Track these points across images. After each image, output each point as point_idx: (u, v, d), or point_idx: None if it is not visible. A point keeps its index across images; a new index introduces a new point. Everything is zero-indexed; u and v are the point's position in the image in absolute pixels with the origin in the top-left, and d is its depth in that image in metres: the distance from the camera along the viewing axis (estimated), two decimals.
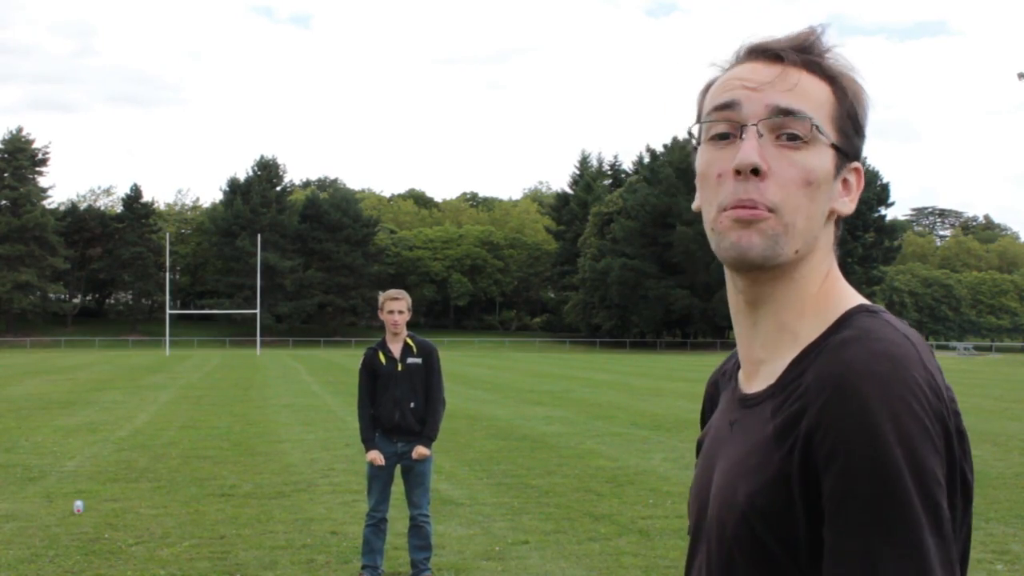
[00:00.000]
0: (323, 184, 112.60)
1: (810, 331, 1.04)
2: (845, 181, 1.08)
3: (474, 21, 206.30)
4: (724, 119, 1.06)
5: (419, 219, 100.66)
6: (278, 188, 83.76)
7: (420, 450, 6.07)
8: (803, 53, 1.06)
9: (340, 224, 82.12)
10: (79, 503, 8.33)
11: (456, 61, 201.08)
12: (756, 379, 1.10)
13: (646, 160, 79.06)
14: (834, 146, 1.04)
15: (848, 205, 1.08)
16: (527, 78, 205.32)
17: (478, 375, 31.76)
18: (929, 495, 0.89)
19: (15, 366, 36.93)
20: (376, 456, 6.04)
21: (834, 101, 1.05)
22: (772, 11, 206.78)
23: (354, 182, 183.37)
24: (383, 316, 6.17)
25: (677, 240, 68.64)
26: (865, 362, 0.92)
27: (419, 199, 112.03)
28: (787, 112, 1.02)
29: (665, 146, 77.86)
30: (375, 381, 6.14)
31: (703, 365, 43.74)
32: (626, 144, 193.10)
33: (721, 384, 1.24)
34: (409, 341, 6.20)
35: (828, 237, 1.09)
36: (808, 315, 1.06)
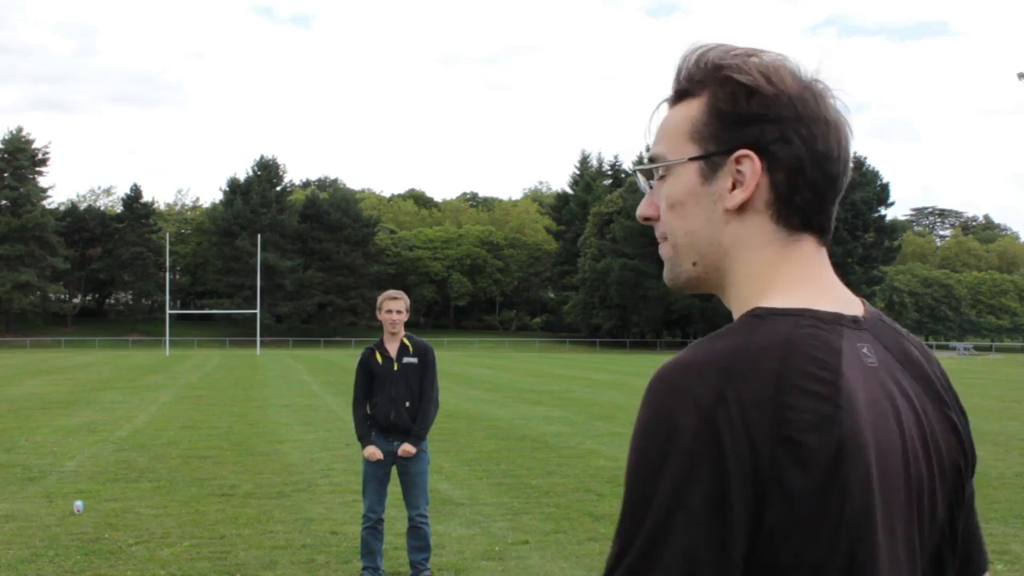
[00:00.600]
0: (323, 184, 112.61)
1: None
2: (739, 173, 1.07)
3: (475, 21, 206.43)
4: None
5: (419, 219, 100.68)
6: (278, 188, 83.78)
7: (405, 447, 6.06)
8: (678, 84, 1.14)
9: (340, 224, 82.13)
10: (79, 503, 8.33)
11: (456, 61, 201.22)
12: None
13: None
14: (692, 159, 1.10)
15: (736, 197, 1.07)
16: (527, 78, 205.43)
17: (478, 375, 31.76)
18: (662, 504, 0.94)
19: (15, 366, 36.93)
20: (374, 451, 6.06)
21: (699, 111, 1.10)
22: (773, 11, 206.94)
23: (354, 182, 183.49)
24: (381, 316, 6.20)
25: None
26: (660, 369, 1.01)
27: (419, 199, 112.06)
28: (649, 158, 1.15)
29: None
30: (371, 380, 6.17)
31: None
32: (626, 144, 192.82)
33: None
34: (406, 341, 6.22)
35: (745, 234, 1.09)
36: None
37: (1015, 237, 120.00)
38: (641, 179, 1.18)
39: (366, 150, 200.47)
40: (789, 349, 0.99)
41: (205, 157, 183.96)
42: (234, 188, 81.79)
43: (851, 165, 1.12)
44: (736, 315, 1.10)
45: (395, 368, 6.13)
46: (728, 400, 0.95)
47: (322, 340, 77.56)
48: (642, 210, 1.17)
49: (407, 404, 6.11)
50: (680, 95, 1.13)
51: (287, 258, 79.61)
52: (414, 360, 6.17)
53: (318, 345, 74.45)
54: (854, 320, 1.08)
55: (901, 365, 1.10)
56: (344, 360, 43.78)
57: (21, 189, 75.93)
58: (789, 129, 1.06)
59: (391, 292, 6.29)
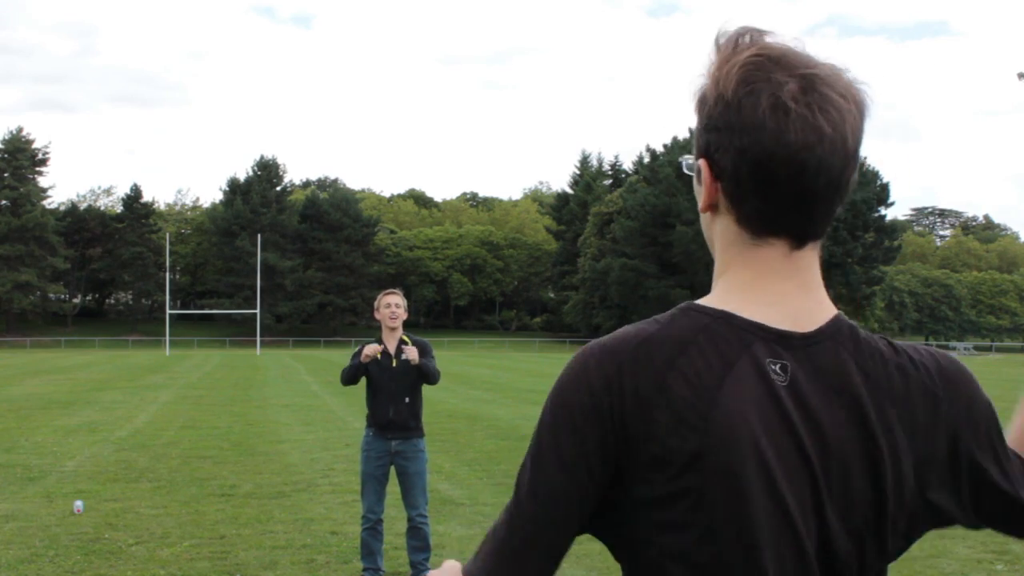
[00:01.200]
0: (323, 184, 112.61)
1: None
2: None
3: (475, 21, 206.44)
4: None
5: (419, 219, 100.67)
6: (278, 188, 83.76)
7: (411, 351, 6.07)
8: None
9: (340, 224, 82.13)
10: (79, 503, 8.33)
11: (456, 61, 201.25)
12: None
13: (646, 160, 79.03)
14: (689, 164, 1.17)
15: (701, 201, 1.14)
16: (528, 78, 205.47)
17: (478, 375, 31.76)
18: (540, 452, 1.09)
19: (15, 366, 36.92)
20: (375, 347, 6.08)
21: (696, 119, 1.15)
22: (774, 12, 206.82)
23: (354, 182, 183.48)
24: (379, 314, 6.20)
25: (677, 240, 68.62)
26: (587, 344, 1.12)
27: (419, 199, 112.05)
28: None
29: (665, 146, 77.80)
30: (367, 376, 6.18)
31: None
32: (626, 144, 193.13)
33: None
34: (404, 338, 6.23)
35: (718, 233, 1.15)
36: None
37: (1015, 237, 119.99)
38: None
39: (366, 150, 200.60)
40: (680, 352, 1.04)
41: (205, 157, 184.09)
42: (234, 188, 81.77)
43: (840, 162, 1.05)
44: None
45: (393, 364, 6.12)
46: (612, 389, 1.05)
47: (322, 340, 77.56)
48: None
49: (406, 400, 6.10)
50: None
51: (287, 258, 79.60)
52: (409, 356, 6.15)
53: (318, 345, 74.44)
54: (781, 335, 1.06)
55: (827, 389, 1.06)
56: (344, 360, 43.73)
57: (21, 189, 75.92)
58: (724, 138, 1.07)
59: (388, 290, 6.32)
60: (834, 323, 1.10)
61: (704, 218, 1.17)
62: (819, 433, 1.05)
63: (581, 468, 1.05)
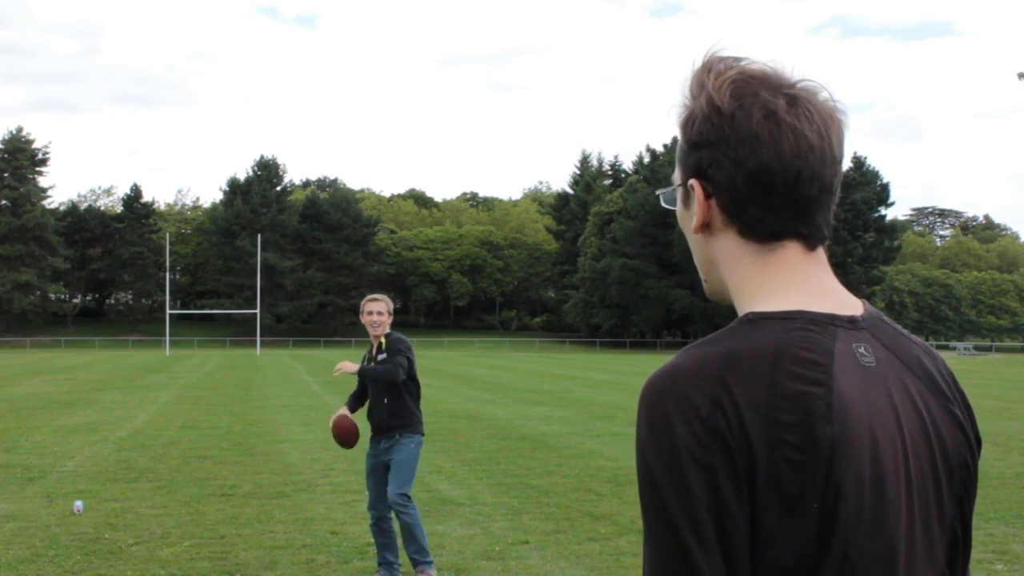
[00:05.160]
0: (323, 184, 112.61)
1: None
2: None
3: (477, 21, 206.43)
4: None
5: (419, 219, 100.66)
6: (278, 188, 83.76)
7: (341, 365, 6.13)
8: None
9: (340, 224, 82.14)
10: (79, 503, 8.33)
11: (457, 61, 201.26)
12: None
13: (646, 160, 79.08)
14: (675, 187, 1.18)
15: (694, 221, 1.13)
16: (528, 78, 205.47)
17: (478, 375, 31.76)
18: (669, 512, 0.98)
19: (15, 366, 36.92)
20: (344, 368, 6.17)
21: (680, 142, 1.15)
22: (776, 12, 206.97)
23: (354, 182, 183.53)
24: (363, 319, 6.26)
25: (677, 240, 68.55)
26: (652, 377, 1.03)
27: (419, 199, 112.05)
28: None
29: (665, 146, 77.80)
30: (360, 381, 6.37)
31: None
32: (626, 144, 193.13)
33: None
34: (382, 340, 6.24)
35: (722, 251, 1.13)
36: None
37: (1015, 237, 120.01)
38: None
39: (366, 150, 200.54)
40: (780, 353, 1.01)
41: (205, 157, 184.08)
42: (234, 188, 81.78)
43: (830, 170, 1.09)
44: None
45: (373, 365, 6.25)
46: (724, 405, 0.98)
47: (322, 340, 77.55)
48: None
49: (385, 401, 6.19)
50: None
51: (287, 258, 79.61)
52: (385, 356, 6.19)
53: (318, 345, 74.44)
54: (851, 320, 1.08)
55: (902, 363, 1.10)
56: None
57: (21, 189, 75.94)
58: (719, 152, 1.08)
59: (372, 295, 6.34)
60: (870, 308, 1.14)
61: (696, 241, 1.16)
62: (917, 409, 1.09)
63: (724, 503, 0.97)
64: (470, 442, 12.99)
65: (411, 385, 6.25)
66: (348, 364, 6.19)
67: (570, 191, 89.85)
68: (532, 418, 16.27)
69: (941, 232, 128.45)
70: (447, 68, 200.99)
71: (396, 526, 6.23)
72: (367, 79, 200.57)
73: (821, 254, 1.13)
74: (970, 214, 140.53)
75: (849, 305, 1.12)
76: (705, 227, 1.12)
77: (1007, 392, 24.70)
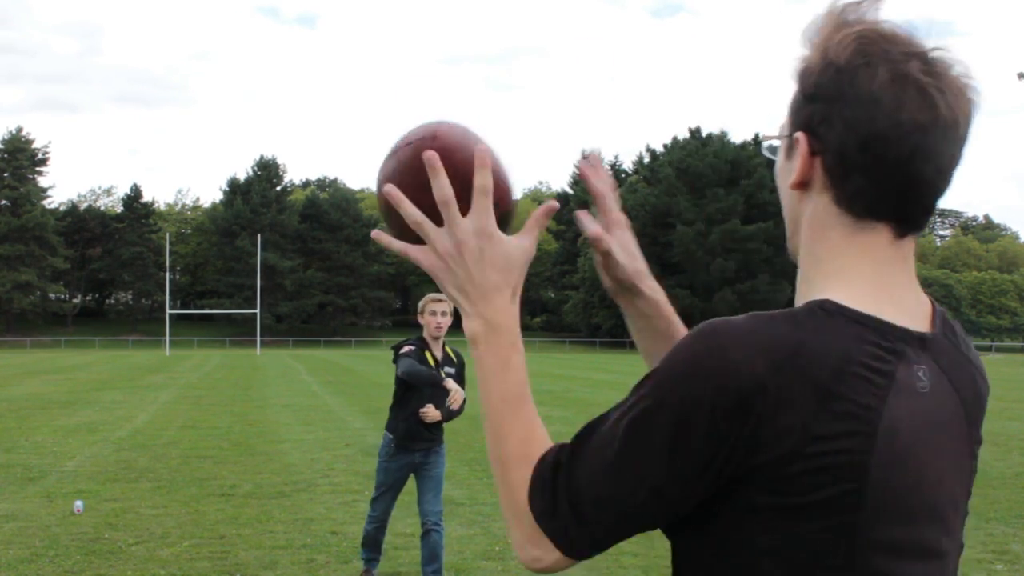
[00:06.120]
0: (323, 184, 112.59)
1: None
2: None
3: (477, 21, 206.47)
4: None
5: None
6: (278, 188, 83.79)
7: (434, 413, 5.79)
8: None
9: (340, 224, 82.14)
10: (79, 503, 8.33)
11: (458, 61, 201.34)
12: None
13: (646, 160, 79.11)
14: (778, 136, 1.11)
15: (792, 176, 1.07)
16: (528, 78, 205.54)
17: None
18: (648, 431, 0.97)
19: (15, 366, 36.91)
20: (451, 383, 5.76)
21: (794, 91, 1.08)
22: (778, 12, 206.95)
23: (354, 182, 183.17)
24: (424, 320, 5.88)
25: (677, 240, 68.65)
26: (722, 324, 0.99)
27: None
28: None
29: (665, 146, 77.89)
30: (405, 384, 5.88)
31: None
32: (626, 144, 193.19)
33: None
34: (448, 350, 6.01)
35: (808, 214, 1.07)
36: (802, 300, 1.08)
37: (1015, 237, 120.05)
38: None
39: (366, 150, 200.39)
40: (844, 365, 0.96)
41: (205, 157, 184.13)
42: (234, 188, 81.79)
43: (951, 151, 1.01)
44: (800, 292, 1.08)
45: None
46: (768, 390, 0.93)
47: (322, 340, 77.55)
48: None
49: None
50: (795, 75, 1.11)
51: (287, 258, 79.61)
52: (452, 371, 5.95)
53: (318, 345, 74.43)
54: (920, 340, 1.03)
55: (955, 390, 1.06)
56: (344, 360, 43.79)
57: (21, 189, 75.98)
58: (833, 109, 1.01)
59: (435, 295, 5.87)
60: (939, 315, 1.10)
61: (790, 197, 1.09)
62: (953, 439, 1.05)
63: (699, 469, 0.96)
64: (470, 442, 12.98)
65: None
66: (434, 412, 5.80)
67: (570, 191, 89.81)
68: None
69: (941, 232, 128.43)
70: (447, 68, 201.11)
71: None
72: (367, 79, 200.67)
73: (910, 244, 1.06)
74: (970, 214, 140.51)
75: (921, 311, 1.07)
76: (802, 185, 1.06)
77: (1007, 392, 24.70)
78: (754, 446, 0.94)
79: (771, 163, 1.15)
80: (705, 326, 0.99)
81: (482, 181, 1.09)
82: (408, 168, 1.13)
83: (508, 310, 1.13)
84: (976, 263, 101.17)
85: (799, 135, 1.04)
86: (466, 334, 1.13)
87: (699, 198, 72.42)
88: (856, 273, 1.04)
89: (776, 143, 1.12)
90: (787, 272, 71.69)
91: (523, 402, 1.19)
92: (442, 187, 1.08)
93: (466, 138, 1.16)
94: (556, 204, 1.14)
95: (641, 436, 0.98)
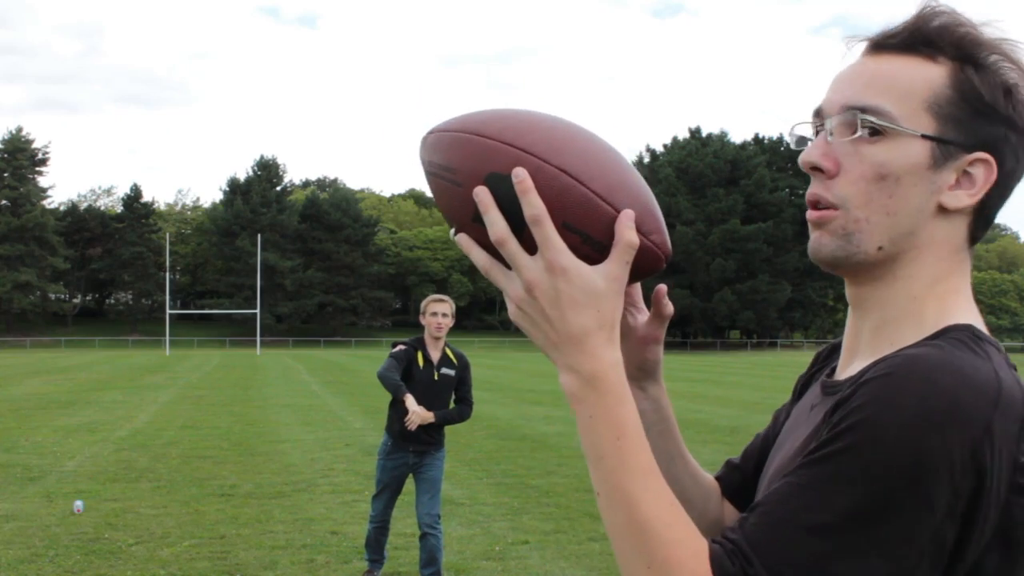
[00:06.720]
0: (323, 184, 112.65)
1: (907, 338, 0.97)
2: (965, 173, 0.97)
3: (477, 21, 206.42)
4: (813, 124, 1.04)
5: (419, 219, 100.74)
6: (278, 188, 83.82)
7: (423, 414, 5.76)
8: (912, 34, 0.99)
9: (340, 224, 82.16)
10: (79, 503, 8.33)
11: (459, 61, 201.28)
12: (846, 370, 1.05)
13: (646, 160, 79.07)
14: (926, 136, 0.96)
15: (961, 198, 0.96)
16: (529, 78, 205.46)
17: (478, 375, 31.67)
18: (914, 511, 0.83)
19: (15, 366, 36.92)
20: (411, 402, 5.74)
21: (943, 83, 0.96)
22: (778, 12, 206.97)
23: (354, 182, 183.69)
24: (425, 320, 5.92)
25: (677, 240, 68.56)
26: (948, 369, 0.85)
27: (419, 199, 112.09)
28: (856, 108, 0.97)
29: (665, 146, 77.89)
30: (405, 380, 5.90)
31: (703, 365, 43.72)
32: (626, 144, 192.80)
33: (828, 362, 1.19)
34: (447, 351, 6.02)
35: (943, 235, 0.99)
36: (908, 321, 0.99)
37: (1015, 237, 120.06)
38: (813, 124, 1.03)
39: (366, 150, 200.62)
40: (1019, 389, 0.89)
41: (205, 157, 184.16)
42: (234, 188, 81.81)
43: None
44: (895, 314, 1.00)
45: (435, 377, 5.93)
46: (994, 433, 0.84)
47: (322, 340, 77.56)
48: (816, 158, 0.98)
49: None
50: (907, 47, 0.99)
51: (287, 258, 79.63)
52: (451, 373, 5.97)
53: (318, 345, 74.45)
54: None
55: None
56: (344, 360, 43.80)
57: (21, 189, 75.98)
58: (1020, 141, 0.97)
59: (437, 296, 5.97)
60: None
61: (929, 212, 0.97)
62: None
63: (945, 529, 0.84)
64: (470, 442, 12.98)
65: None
66: (422, 412, 5.75)
67: None
68: (532, 418, 16.28)
69: None
70: (447, 68, 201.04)
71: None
72: (367, 79, 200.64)
73: None
74: None
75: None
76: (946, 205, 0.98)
77: None
78: (985, 492, 0.85)
79: (792, 154, 1.07)
80: (908, 363, 0.86)
81: (532, 211, 0.89)
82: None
83: (604, 356, 0.91)
84: (976, 263, 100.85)
85: (988, 158, 0.96)
86: (564, 391, 0.93)
87: (699, 198, 72.42)
88: (966, 296, 1.01)
89: (893, 127, 0.96)
90: (786, 272, 71.54)
91: (650, 478, 0.90)
92: (495, 223, 0.90)
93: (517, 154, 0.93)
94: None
95: (875, 518, 0.83)
